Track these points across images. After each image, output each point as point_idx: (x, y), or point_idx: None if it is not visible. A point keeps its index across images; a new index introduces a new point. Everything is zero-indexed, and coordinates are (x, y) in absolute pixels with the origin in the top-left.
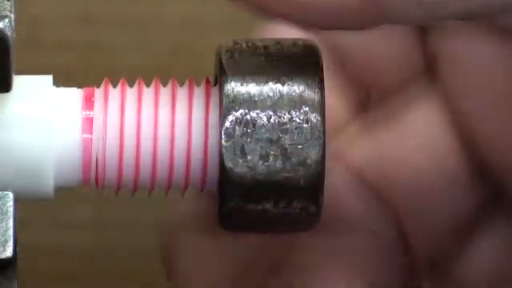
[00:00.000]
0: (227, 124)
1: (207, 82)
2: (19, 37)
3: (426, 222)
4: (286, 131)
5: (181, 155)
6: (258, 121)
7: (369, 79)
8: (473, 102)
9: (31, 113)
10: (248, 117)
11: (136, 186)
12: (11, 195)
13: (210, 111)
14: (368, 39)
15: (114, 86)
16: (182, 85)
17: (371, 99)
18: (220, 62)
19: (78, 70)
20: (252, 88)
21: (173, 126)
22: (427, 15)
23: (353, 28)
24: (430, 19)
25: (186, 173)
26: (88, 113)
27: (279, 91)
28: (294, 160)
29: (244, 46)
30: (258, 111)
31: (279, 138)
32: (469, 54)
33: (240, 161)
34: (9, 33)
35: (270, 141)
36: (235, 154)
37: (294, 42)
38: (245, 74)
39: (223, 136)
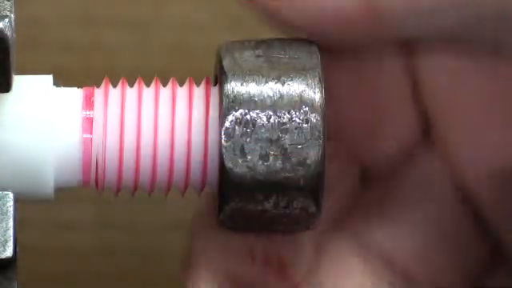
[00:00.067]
0: (227, 124)
1: (207, 82)
2: (19, 37)
3: (429, 269)
4: (285, 131)
5: (181, 155)
6: (258, 121)
7: (370, 147)
8: (468, 158)
9: (31, 113)
10: (248, 117)
11: (136, 186)
12: (11, 195)
13: (209, 111)
14: (365, 112)
15: (114, 85)
16: (182, 85)
17: (374, 163)
18: (220, 62)
19: (78, 70)
20: (252, 88)
21: (173, 126)
22: (422, 25)
23: (352, 38)
24: (424, 30)
25: (185, 173)
26: (88, 113)
27: (279, 91)
28: (293, 160)
29: (244, 46)
30: (257, 111)
31: (279, 138)
32: (462, 109)
33: (240, 161)
34: (9, 33)
35: (270, 141)
36: (235, 154)
37: (294, 42)
38: (245, 74)
39: (223, 136)
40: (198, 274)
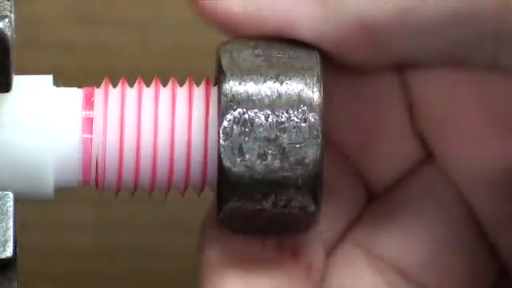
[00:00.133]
0: (225, 123)
1: (207, 82)
2: (19, 37)
3: (439, 280)
4: (283, 130)
5: (181, 155)
6: (256, 120)
7: (371, 171)
8: (467, 171)
9: (31, 113)
10: (246, 116)
11: (136, 186)
12: (11, 195)
13: (209, 111)
14: (365, 134)
15: (114, 86)
16: (181, 85)
17: (377, 184)
18: (219, 61)
19: (78, 70)
20: (250, 87)
21: (173, 126)
22: (421, 46)
23: (348, 58)
24: (423, 50)
25: (185, 173)
26: (88, 113)
27: (277, 90)
28: (291, 159)
29: (243, 45)
30: (256, 110)
31: (277, 137)
32: (460, 122)
33: (238, 160)
34: (9, 33)
35: (268, 140)
36: (233, 154)
37: (294, 42)
38: (243, 74)
39: (221, 135)
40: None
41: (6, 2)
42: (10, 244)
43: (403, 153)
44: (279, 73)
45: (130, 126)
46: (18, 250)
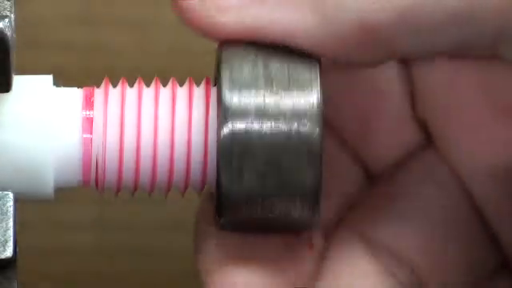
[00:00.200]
0: (224, 140)
1: (207, 82)
2: (19, 37)
3: (437, 267)
4: (282, 145)
5: (181, 155)
6: (255, 139)
7: (370, 150)
8: (469, 158)
9: (31, 113)
10: (244, 134)
11: (136, 186)
12: (11, 195)
13: (209, 111)
14: (365, 119)
15: (114, 86)
16: (181, 85)
17: (376, 164)
18: (219, 71)
19: (77, 70)
20: (249, 101)
21: (173, 126)
22: (420, 43)
23: (348, 57)
24: (422, 47)
25: (185, 173)
26: (88, 113)
27: (276, 104)
28: (290, 175)
29: (243, 55)
30: (255, 127)
31: (276, 152)
32: (461, 110)
33: (236, 179)
34: (9, 33)
35: (267, 154)
36: (231, 173)
37: (295, 51)
38: (242, 87)
39: (220, 151)
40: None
41: (6, 2)
42: (10, 244)
43: (403, 139)
44: (278, 86)
45: (130, 125)
46: (17, 249)
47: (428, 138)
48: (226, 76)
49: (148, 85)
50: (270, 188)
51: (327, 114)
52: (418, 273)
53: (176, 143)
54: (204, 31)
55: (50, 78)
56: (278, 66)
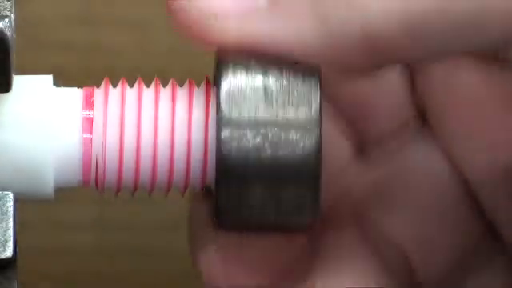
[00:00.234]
0: (222, 155)
1: (207, 82)
2: (19, 37)
3: (427, 253)
4: (282, 160)
5: (181, 155)
6: (252, 176)
7: (366, 124)
8: (461, 143)
9: (31, 113)
10: (242, 170)
11: (136, 186)
12: (11, 195)
13: (209, 111)
14: (363, 90)
15: (114, 86)
16: (181, 85)
17: (370, 141)
18: (218, 88)
19: (78, 70)
20: (248, 129)
21: (173, 126)
22: (424, 51)
23: (358, 70)
24: (425, 53)
25: (185, 173)
26: (88, 113)
27: (276, 133)
28: (289, 203)
29: (243, 71)
30: (252, 137)
31: (275, 180)
32: (454, 99)
33: (235, 213)
34: (9, 33)
35: (266, 196)
36: (230, 204)
37: (296, 66)
38: (240, 101)
39: (218, 177)
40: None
41: (6, 2)
42: (10, 244)
43: (400, 123)
44: (278, 108)
45: (130, 125)
46: (17, 249)
47: (425, 125)
48: (223, 89)
49: (148, 85)
50: (268, 200)
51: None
52: (409, 260)
53: (176, 143)
54: (196, 37)
55: (49, 77)
56: (277, 76)
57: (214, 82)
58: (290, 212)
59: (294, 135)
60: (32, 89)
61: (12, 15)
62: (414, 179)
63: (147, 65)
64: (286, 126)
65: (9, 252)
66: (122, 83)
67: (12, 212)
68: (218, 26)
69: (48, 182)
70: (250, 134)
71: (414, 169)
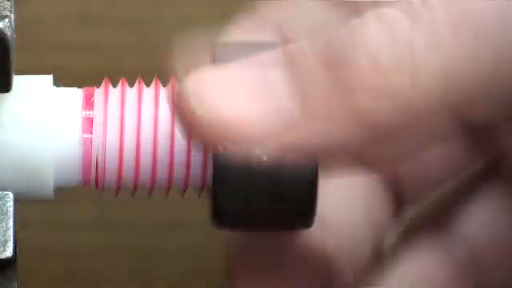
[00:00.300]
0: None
1: None
2: (19, 37)
3: (424, 177)
4: (281, 166)
5: (181, 155)
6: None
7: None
8: None
9: (31, 113)
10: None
11: (136, 186)
12: (11, 195)
13: None
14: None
15: (114, 85)
16: None
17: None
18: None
19: (78, 70)
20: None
21: (173, 125)
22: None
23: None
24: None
25: (185, 172)
26: (88, 113)
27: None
28: (288, 203)
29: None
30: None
31: (273, 178)
32: None
33: (235, 208)
34: (9, 33)
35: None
36: (229, 196)
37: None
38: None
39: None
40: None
41: (6, 2)
42: (10, 244)
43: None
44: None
45: (130, 125)
46: (17, 249)
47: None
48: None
49: (148, 85)
50: (267, 199)
51: None
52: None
53: (176, 143)
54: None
55: (50, 78)
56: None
57: None
58: (290, 211)
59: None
60: (32, 89)
61: (12, 15)
62: None
63: (147, 65)
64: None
65: (9, 252)
66: (122, 83)
67: (12, 212)
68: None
69: (48, 182)
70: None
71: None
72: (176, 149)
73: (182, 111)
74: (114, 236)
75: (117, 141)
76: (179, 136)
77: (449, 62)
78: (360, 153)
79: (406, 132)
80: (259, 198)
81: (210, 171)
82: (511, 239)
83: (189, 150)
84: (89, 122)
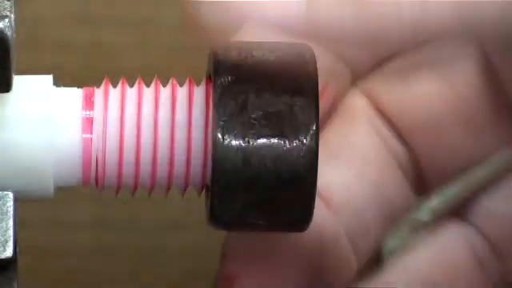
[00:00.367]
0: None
1: (207, 81)
2: (19, 37)
3: (441, 162)
4: (279, 166)
5: (181, 155)
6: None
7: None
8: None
9: (31, 113)
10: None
11: (136, 186)
12: (11, 195)
13: (209, 111)
14: None
15: (114, 85)
16: (182, 85)
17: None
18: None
19: (78, 70)
20: (242, 154)
21: (173, 125)
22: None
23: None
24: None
25: (185, 172)
26: (88, 113)
27: (270, 160)
28: (285, 205)
29: (236, 95)
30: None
31: (272, 179)
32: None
33: (233, 208)
34: (9, 33)
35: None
36: (227, 196)
37: (289, 51)
38: (234, 131)
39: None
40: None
41: (6, 2)
42: (10, 244)
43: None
44: (272, 134)
45: (130, 125)
46: (17, 249)
47: None
48: (220, 89)
49: (148, 85)
50: (265, 200)
51: None
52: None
53: (176, 143)
54: None
55: (50, 77)
56: (273, 102)
57: (212, 81)
58: (287, 213)
59: (291, 136)
60: (32, 89)
61: (12, 15)
62: (437, 85)
63: (147, 64)
64: (280, 158)
65: (9, 252)
66: (122, 83)
67: (12, 212)
68: None
69: (48, 182)
70: (248, 134)
71: (441, 76)
72: (176, 149)
73: None
74: (113, 236)
75: (117, 141)
76: (179, 136)
77: None
78: None
79: None
80: (257, 198)
81: (209, 171)
82: None
83: (189, 150)
84: (89, 122)
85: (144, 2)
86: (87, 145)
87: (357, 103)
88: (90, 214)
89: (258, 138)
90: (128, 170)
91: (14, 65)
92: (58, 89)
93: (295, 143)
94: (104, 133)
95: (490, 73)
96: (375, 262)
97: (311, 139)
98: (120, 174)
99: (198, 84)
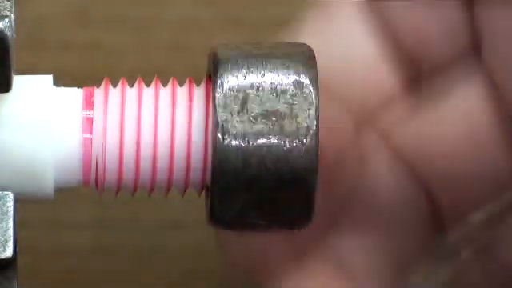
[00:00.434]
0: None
1: (207, 81)
2: (19, 37)
3: (459, 197)
4: (279, 167)
5: (181, 155)
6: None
7: (420, 55)
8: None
9: (31, 113)
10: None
11: (136, 186)
12: (11, 195)
13: (209, 111)
14: (419, 15)
15: (114, 85)
16: (182, 85)
17: (422, 75)
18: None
19: (78, 70)
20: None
21: (173, 125)
22: None
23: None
24: None
25: (185, 173)
26: (88, 113)
27: (269, 160)
28: (286, 204)
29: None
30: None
31: (272, 179)
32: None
33: (233, 208)
34: (9, 33)
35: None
36: (227, 196)
37: (290, 50)
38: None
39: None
40: None
41: (6, 2)
42: (10, 244)
43: (453, 53)
44: (272, 134)
45: (130, 125)
46: (17, 249)
47: (477, 60)
48: (220, 89)
49: (148, 85)
50: (265, 200)
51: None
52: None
53: (176, 143)
54: None
55: (50, 78)
56: (273, 102)
57: (212, 81)
58: (287, 212)
59: (291, 136)
60: (32, 89)
61: (12, 15)
62: (452, 117)
63: (147, 65)
64: (280, 119)
65: (9, 252)
66: (122, 83)
67: (12, 212)
68: None
69: (48, 182)
70: (248, 134)
71: (455, 107)
72: (176, 149)
73: None
74: (114, 236)
75: (117, 141)
76: (179, 136)
77: None
78: None
79: None
80: (257, 199)
81: (209, 171)
82: None
83: (189, 150)
84: (89, 122)
85: (144, 2)
86: (87, 145)
87: (368, 143)
88: (90, 214)
89: (258, 138)
90: (128, 170)
91: (13, 65)
92: (58, 89)
93: (295, 143)
94: (104, 133)
95: (498, 97)
96: None
97: (311, 139)
98: (120, 175)
99: (198, 84)
